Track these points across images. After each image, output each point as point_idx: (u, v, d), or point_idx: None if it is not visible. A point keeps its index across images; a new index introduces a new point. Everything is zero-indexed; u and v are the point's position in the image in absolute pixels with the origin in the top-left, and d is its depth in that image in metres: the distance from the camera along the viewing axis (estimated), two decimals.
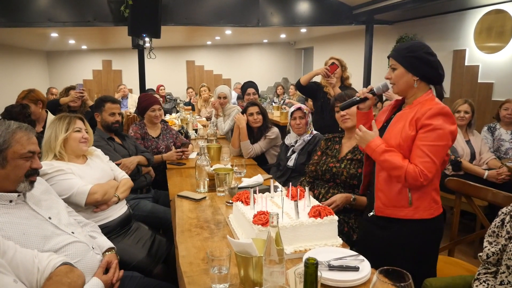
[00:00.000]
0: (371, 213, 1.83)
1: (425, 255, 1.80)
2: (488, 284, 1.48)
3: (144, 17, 5.02)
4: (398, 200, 1.73)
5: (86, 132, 2.27)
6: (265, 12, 6.05)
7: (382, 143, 1.73)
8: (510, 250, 1.40)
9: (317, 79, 3.98)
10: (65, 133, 2.16)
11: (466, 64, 5.33)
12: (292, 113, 3.05)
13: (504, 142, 3.81)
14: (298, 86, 3.96)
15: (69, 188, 2.03)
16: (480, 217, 2.16)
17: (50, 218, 1.61)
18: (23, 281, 1.21)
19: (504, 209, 1.52)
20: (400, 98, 1.92)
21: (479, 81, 5.15)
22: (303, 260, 1.44)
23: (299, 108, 3.02)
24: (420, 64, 1.71)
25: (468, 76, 5.31)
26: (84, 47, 10.09)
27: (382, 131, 1.84)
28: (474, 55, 5.21)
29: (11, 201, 1.51)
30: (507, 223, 1.47)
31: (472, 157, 3.52)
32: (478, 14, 5.07)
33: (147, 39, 5.62)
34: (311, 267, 0.89)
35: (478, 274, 1.54)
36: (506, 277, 1.40)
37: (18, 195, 1.53)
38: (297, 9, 6.19)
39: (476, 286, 1.50)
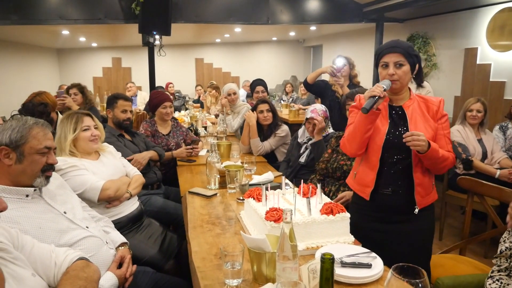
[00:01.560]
0: (416, 210, 1.82)
1: (432, 237, 1.98)
2: (501, 282, 1.47)
3: (155, 15, 5.05)
4: (429, 187, 1.88)
5: (96, 128, 2.26)
6: (275, 9, 6.04)
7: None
8: None
9: (326, 77, 3.97)
10: (74, 134, 2.14)
11: (478, 62, 5.27)
12: (307, 118, 3.01)
13: None
14: (306, 84, 3.96)
15: (82, 184, 2.05)
16: (493, 216, 2.15)
17: (65, 212, 1.63)
18: (40, 275, 1.23)
19: None
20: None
21: (491, 79, 5.09)
22: (318, 256, 1.45)
23: (312, 118, 2.95)
24: (418, 62, 1.84)
25: (479, 75, 5.25)
26: (94, 44, 10.16)
27: (395, 128, 1.83)
28: (486, 54, 5.14)
29: (27, 196, 1.54)
30: None
31: (484, 156, 3.49)
32: (490, 12, 5.00)
33: (157, 36, 5.64)
34: (327, 262, 0.90)
35: (492, 272, 1.53)
36: None
37: (34, 190, 1.55)
38: (307, 7, 6.17)
39: (489, 284, 1.49)
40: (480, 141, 3.53)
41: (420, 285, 0.92)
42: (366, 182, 1.90)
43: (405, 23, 6.60)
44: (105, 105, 7.17)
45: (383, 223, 1.89)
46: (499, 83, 4.96)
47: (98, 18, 5.38)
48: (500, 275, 1.50)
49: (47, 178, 1.59)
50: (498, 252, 1.51)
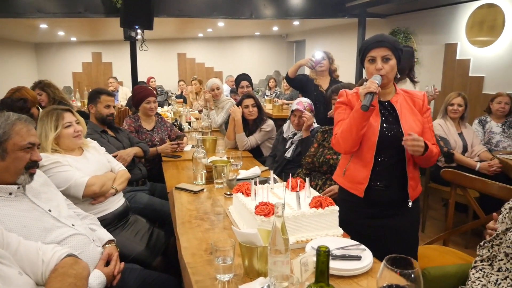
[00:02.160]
0: (410, 203, 1.85)
1: (418, 228, 2.04)
2: (484, 272, 1.51)
3: (137, 9, 4.95)
4: (418, 180, 1.93)
5: (78, 123, 2.20)
6: (258, 4, 6.02)
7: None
8: (509, 239, 1.43)
9: (309, 72, 4.00)
10: (55, 131, 2.08)
11: (457, 57, 5.38)
12: (293, 110, 3.03)
13: (494, 135, 3.88)
14: (287, 79, 3.99)
15: (66, 180, 2.01)
16: (475, 207, 2.20)
17: (50, 210, 1.59)
18: (27, 273, 1.20)
19: (506, 204, 1.55)
20: None
21: (470, 74, 5.20)
22: (309, 249, 1.46)
23: (298, 109, 2.98)
24: (401, 57, 1.84)
25: (459, 70, 5.37)
26: (73, 39, 9.93)
27: (387, 124, 1.84)
28: (466, 49, 5.25)
29: (10, 194, 1.50)
30: (507, 214, 1.51)
31: (464, 149, 3.57)
32: (470, 8, 5.10)
33: (139, 31, 5.55)
34: (323, 254, 0.90)
35: (475, 262, 1.57)
36: (505, 264, 1.44)
37: (18, 188, 1.51)
38: (290, 2, 6.16)
39: (473, 274, 1.53)
40: (460, 134, 3.62)
41: (412, 275, 0.93)
42: (359, 179, 1.86)
43: (387, 18, 6.67)
44: (85, 100, 7.08)
45: (375, 218, 1.88)
46: (478, 78, 5.08)
47: (78, 11, 5.25)
48: (483, 265, 1.54)
49: (31, 175, 1.55)
50: (482, 243, 1.55)
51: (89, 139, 2.40)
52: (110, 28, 7.79)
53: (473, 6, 5.04)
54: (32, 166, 1.54)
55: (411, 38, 6.15)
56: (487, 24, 4.87)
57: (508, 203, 1.55)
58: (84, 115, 3.28)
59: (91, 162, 2.23)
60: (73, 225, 1.63)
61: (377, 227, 1.87)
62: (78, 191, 2.04)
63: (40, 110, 3.71)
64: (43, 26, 7.10)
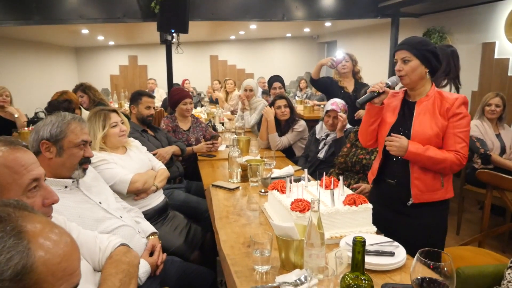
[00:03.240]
0: (410, 202, 1.88)
1: (444, 234, 2.00)
2: None
3: (173, 13, 5.13)
4: (433, 184, 1.88)
5: (122, 123, 2.35)
6: (290, 6, 6.07)
7: (417, 143, 1.81)
8: None
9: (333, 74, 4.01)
10: (103, 131, 2.23)
11: (495, 57, 5.23)
12: (327, 111, 3.08)
13: None
14: (311, 80, 4.03)
15: (112, 177, 2.15)
16: None
17: (100, 203, 1.72)
18: (86, 259, 1.33)
19: None
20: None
21: (509, 74, 5.05)
22: (343, 244, 1.51)
23: (333, 109, 3.03)
24: (432, 58, 1.86)
25: (498, 69, 5.21)
26: (111, 43, 10.33)
27: (401, 123, 1.89)
28: (504, 48, 5.10)
29: (66, 187, 1.64)
30: None
31: (502, 151, 3.49)
32: (509, 6, 4.95)
33: (174, 34, 5.73)
34: (359, 244, 0.96)
35: (511, 262, 1.57)
36: None
37: (73, 181, 1.65)
38: (322, 3, 6.18)
39: (509, 273, 1.53)
40: (498, 136, 3.53)
41: (445, 268, 0.98)
42: (373, 170, 2.08)
43: (421, 18, 6.56)
44: (122, 102, 7.36)
45: (391, 212, 1.97)
46: None
47: (117, 17, 5.49)
48: None
49: (84, 170, 1.68)
50: None
51: (131, 138, 2.54)
52: (146, 32, 8.07)
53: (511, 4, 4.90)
54: (85, 162, 1.68)
55: (447, 38, 6.01)
56: None
57: None
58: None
59: (134, 160, 2.37)
60: (121, 216, 1.76)
61: (398, 224, 1.91)
62: (123, 188, 2.17)
63: (83, 110, 3.94)
64: (84, 31, 7.45)
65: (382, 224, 1.77)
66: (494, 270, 1.65)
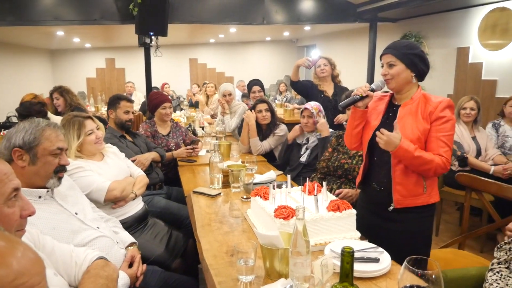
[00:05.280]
0: (391, 207, 1.88)
1: (429, 239, 1.98)
2: (501, 274, 1.53)
3: (152, 16, 5.05)
4: (415, 189, 1.86)
5: (98, 129, 2.27)
6: (270, 10, 6.08)
7: (408, 141, 1.77)
8: None
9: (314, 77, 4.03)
10: (78, 140, 2.15)
11: (469, 61, 5.37)
12: (302, 111, 3.11)
13: (508, 139, 3.86)
14: (291, 83, 4.04)
15: (88, 185, 2.08)
16: (491, 211, 2.21)
17: (76, 213, 1.66)
18: (61, 274, 1.26)
19: None
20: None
21: (482, 78, 5.19)
22: (327, 252, 1.49)
23: (306, 108, 3.07)
24: (418, 62, 1.85)
25: (472, 74, 5.35)
26: (88, 45, 10.11)
27: (385, 126, 1.89)
28: (478, 53, 5.24)
29: (40, 197, 1.56)
30: None
31: (478, 153, 3.57)
32: (482, 12, 5.10)
33: (153, 37, 5.65)
34: (347, 255, 0.94)
35: (492, 265, 1.59)
36: None
37: (47, 191, 1.58)
38: (302, 7, 6.22)
39: (490, 276, 1.55)
40: (474, 138, 3.61)
41: (433, 276, 0.97)
42: (359, 174, 2.07)
43: (398, 22, 6.68)
44: (99, 105, 7.20)
45: (377, 217, 1.96)
46: (491, 82, 5.06)
47: (94, 19, 5.37)
48: (500, 267, 1.56)
49: (59, 179, 1.61)
50: (499, 245, 1.57)
51: (109, 144, 2.46)
52: (123, 35, 7.93)
53: (485, 10, 5.04)
54: (60, 170, 1.61)
55: (423, 42, 6.14)
56: (499, 28, 4.86)
57: None
58: (100, 120, 3.38)
59: (112, 167, 2.30)
60: (98, 227, 1.69)
61: (384, 230, 1.91)
62: (100, 196, 2.10)
63: (50, 114, 3.82)
64: (60, 33, 7.26)
65: (368, 229, 1.76)
66: (476, 272, 1.66)
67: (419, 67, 1.86)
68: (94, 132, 2.23)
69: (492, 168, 3.37)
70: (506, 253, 1.56)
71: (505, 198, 2.14)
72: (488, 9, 5.00)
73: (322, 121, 3.00)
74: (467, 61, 5.40)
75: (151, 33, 5.36)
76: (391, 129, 1.84)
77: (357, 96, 1.88)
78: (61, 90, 4.22)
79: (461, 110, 3.64)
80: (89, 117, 2.30)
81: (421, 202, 1.86)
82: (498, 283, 1.50)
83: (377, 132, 1.79)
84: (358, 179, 2.07)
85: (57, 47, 10.26)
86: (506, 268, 1.55)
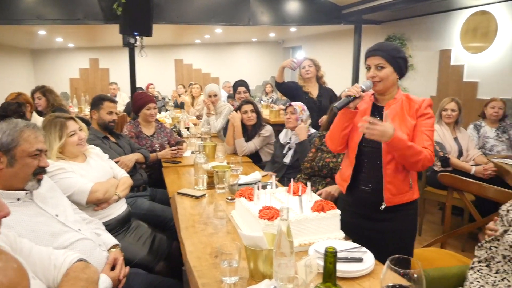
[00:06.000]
0: (383, 206, 1.89)
1: (414, 237, 2.04)
2: (481, 273, 1.56)
3: (136, 15, 5.00)
4: (403, 186, 1.90)
5: (81, 130, 2.23)
6: (256, 11, 6.09)
7: (400, 131, 1.80)
8: (506, 242, 1.48)
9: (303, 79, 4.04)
10: (60, 141, 2.11)
11: (451, 63, 5.47)
12: (285, 109, 3.13)
13: (489, 139, 3.95)
14: (276, 84, 4.05)
15: (70, 187, 2.04)
16: (472, 211, 2.25)
17: (57, 215, 1.62)
18: (39, 277, 1.23)
19: (503, 206, 1.60)
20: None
21: (464, 80, 5.29)
22: (311, 252, 1.49)
23: (290, 104, 3.10)
24: (403, 65, 1.89)
25: (454, 75, 5.45)
26: (71, 45, 9.95)
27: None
28: (460, 55, 5.34)
29: (18, 199, 1.52)
30: (505, 216, 1.56)
31: (460, 153, 3.63)
32: (463, 15, 5.20)
33: (138, 37, 5.59)
34: (330, 255, 0.94)
35: (473, 263, 1.62)
36: (502, 266, 1.48)
37: (26, 193, 1.54)
38: (287, 8, 6.24)
39: (471, 274, 1.57)
40: (456, 139, 3.68)
41: (415, 275, 0.97)
42: (345, 177, 2.01)
43: (383, 25, 6.76)
44: (82, 106, 7.09)
45: (364, 219, 1.96)
46: (472, 84, 5.16)
47: (77, 18, 5.29)
48: (480, 266, 1.59)
49: (39, 181, 1.58)
50: (480, 244, 1.60)
51: (92, 146, 2.43)
52: (107, 35, 7.83)
53: (466, 13, 5.14)
54: (40, 172, 1.57)
55: (406, 45, 6.23)
56: (480, 31, 4.96)
57: (506, 205, 1.60)
58: (83, 121, 3.32)
59: (95, 169, 2.26)
60: (79, 229, 1.66)
61: (369, 229, 1.93)
62: (82, 198, 2.06)
63: (34, 115, 3.74)
64: (42, 32, 7.13)
65: (354, 231, 1.76)
66: (458, 271, 1.69)
67: (403, 70, 1.90)
68: (76, 133, 2.20)
69: (474, 169, 3.43)
70: (486, 252, 1.59)
71: (486, 198, 2.18)
72: (469, 13, 5.10)
73: (301, 125, 3.00)
74: (449, 63, 5.50)
75: (136, 33, 5.31)
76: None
77: (351, 97, 1.82)
78: (43, 90, 4.15)
79: (442, 111, 3.70)
80: (72, 118, 2.26)
81: (407, 198, 1.91)
82: (479, 281, 1.53)
83: (368, 122, 1.71)
84: (345, 182, 2.01)
85: (39, 47, 10.07)
86: (486, 266, 1.57)
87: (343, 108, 1.84)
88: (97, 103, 2.93)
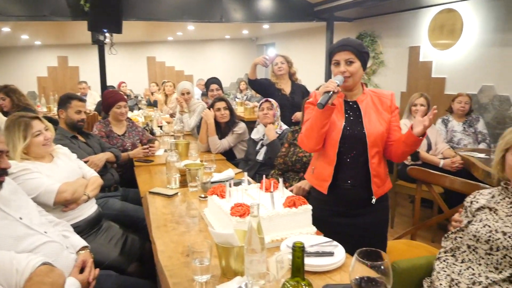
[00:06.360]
0: (373, 200, 1.91)
1: (387, 228, 2.11)
2: (447, 262, 1.60)
3: (105, 12, 4.87)
4: (385, 177, 1.98)
5: (46, 130, 2.16)
6: (228, 7, 6.06)
7: (381, 133, 1.90)
8: (470, 232, 1.52)
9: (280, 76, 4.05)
10: (24, 142, 2.04)
11: (420, 60, 5.61)
12: (260, 104, 3.12)
13: (456, 133, 4.07)
14: (249, 81, 4.06)
15: (36, 188, 1.97)
16: (440, 202, 2.32)
17: (21, 218, 1.56)
18: (1, 283, 1.18)
19: (467, 198, 1.65)
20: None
21: (432, 76, 5.44)
22: (283, 247, 1.50)
23: (267, 100, 3.11)
24: (367, 60, 1.93)
25: (422, 72, 5.59)
26: (38, 42, 9.62)
27: (351, 123, 1.92)
28: (428, 52, 5.48)
29: None
30: (468, 208, 1.61)
31: (429, 147, 3.73)
32: (431, 13, 5.33)
33: (107, 34, 5.46)
34: (298, 250, 0.95)
35: (439, 254, 1.66)
36: (467, 255, 1.53)
37: None
38: (260, 5, 6.24)
39: (437, 265, 1.62)
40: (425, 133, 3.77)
41: (382, 267, 0.99)
42: (324, 177, 1.94)
43: (354, 22, 6.86)
44: (51, 106, 6.87)
45: (343, 216, 1.95)
46: (440, 79, 5.31)
47: (43, 15, 5.10)
48: (446, 256, 1.63)
49: (0, 183, 1.51)
50: (446, 235, 1.65)
51: (59, 145, 2.35)
52: (76, 32, 7.60)
53: (434, 11, 5.27)
54: (1, 174, 1.51)
55: (377, 42, 6.35)
56: (447, 28, 5.10)
57: (470, 197, 1.65)
58: (51, 121, 3.21)
59: (62, 169, 2.19)
60: (45, 232, 1.61)
61: (347, 225, 1.94)
62: (48, 199, 2.00)
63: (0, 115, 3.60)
64: (5, 29, 6.85)
65: (332, 230, 1.75)
66: (426, 262, 1.73)
67: (366, 65, 1.93)
68: (42, 133, 2.12)
69: (442, 162, 3.54)
70: (452, 242, 1.63)
71: (453, 190, 2.25)
72: (436, 10, 5.23)
73: (269, 126, 3.04)
74: (418, 60, 5.64)
75: (105, 30, 5.18)
76: (358, 126, 1.88)
77: (330, 92, 1.76)
78: (6, 90, 3.99)
79: (412, 106, 3.78)
80: (37, 118, 2.18)
81: (387, 188, 1.98)
82: (445, 271, 1.57)
83: (428, 115, 1.76)
84: (325, 182, 1.94)
85: (3, 45, 9.66)
86: (451, 256, 1.62)
87: (327, 104, 1.76)
88: (64, 102, 2.84)
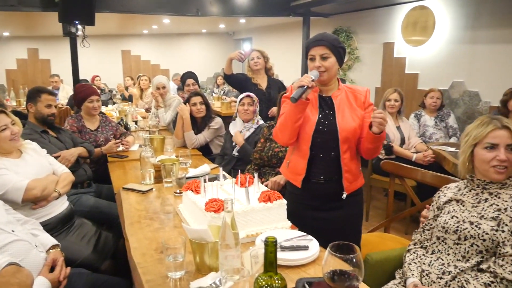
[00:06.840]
0: (344, 195, 1.93)
1: (361, 221, 2.15)
2: (417, 254, 1.65)
3: (77, 3, 4.73)
4: (357, 173, 1.99)
5: (13, 124, 2.09)
6: (205, 1, 5.98)
7: (353, 128, 1.90)
8: (439, 224, 1.57)
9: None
10: None
11: (394, 56, 5.71)
12: (241, 99, 3.10)
13: (428, 128, 4.17)
14: (225, 76, 4.04)
15: (3, 185, 1.91)
16: (412, 195, 2.37)
17: None
18: None
19: (436, 193, 1.70)
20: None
21: (406, 71, 5.55)
22: (259, 242, 1.50)
23: (249, 95, 3.09)
24: (343, 55, 1.94)
25: (396, 67, 5.70)
26: (6, 34, 9.25)
27: (326, 117, 1.93)
28: (402, 48, 5.58)
29: None
30: (436, 202, 1.65)
31: (402, 141, 3.81)
32: (404, 9, 5.43)
33: (79, 26, 5.30)
34: (271, 245, 0.95)
35: (409, 246, 1.71)
36: (437, 246, 1.58)
37: None
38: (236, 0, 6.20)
39: (408, 256, 1.66)
40: (398, 128, 3.85)
41: (354, 259, 1.00)
42: (298, 171, 1.97)
43: (330, 18, 6.91)
44: (21, 99, 6.64)
45: (317, 210, 1.98)
46: (413, 75, 5.42)
47: (11, 4, 4.90)
48: (415, 248, 1.68)
49: None
50: (416, 230, 1.70)
51: (28, 141, 2.28)
52: (47, 23, 7.35)
53: (407, 8, 5.37)
54: None
55: (353, 37, 6.42)
56: (420, 25, 5.21)
57: (438, 192, 1.70)
58: (21, 115, 3.10)
59: (31, 165, 2.13)
60: (13, 231, 1.55)
61: (321, 219, 1.96)
62: (17, 196, 1.94)
63: None
64: None
65: (306, 224, 1.76)
66: (398, 254, 1.77)
67: (342, 61, 1.93)
68: (8, 128, 2.05)
69: (414, 156, 3.62)
70: (421, 235, 1.68)
71: (425, 183, 2.30)
72: (409, 7, 5.33)
73: (236, 133, 3.09)
74: (392, 56, 5.74)
75: (76, 22, 5.03)
76: (330, 121, 1.89)
77: (304, 87, 1.77)
78: None
79: (386, 101, 3.85)
80: (2, 112, 2.10)
81: (359, 184, 2.00)
82: (416, 263, 1.61)
83: (377, 112, 1.76)
84: (299, 176, 1.96)
85: None
86: (421, 248, 1.67)
87: (300, 98, 1.78)
88: (33, 95, 2.75)
